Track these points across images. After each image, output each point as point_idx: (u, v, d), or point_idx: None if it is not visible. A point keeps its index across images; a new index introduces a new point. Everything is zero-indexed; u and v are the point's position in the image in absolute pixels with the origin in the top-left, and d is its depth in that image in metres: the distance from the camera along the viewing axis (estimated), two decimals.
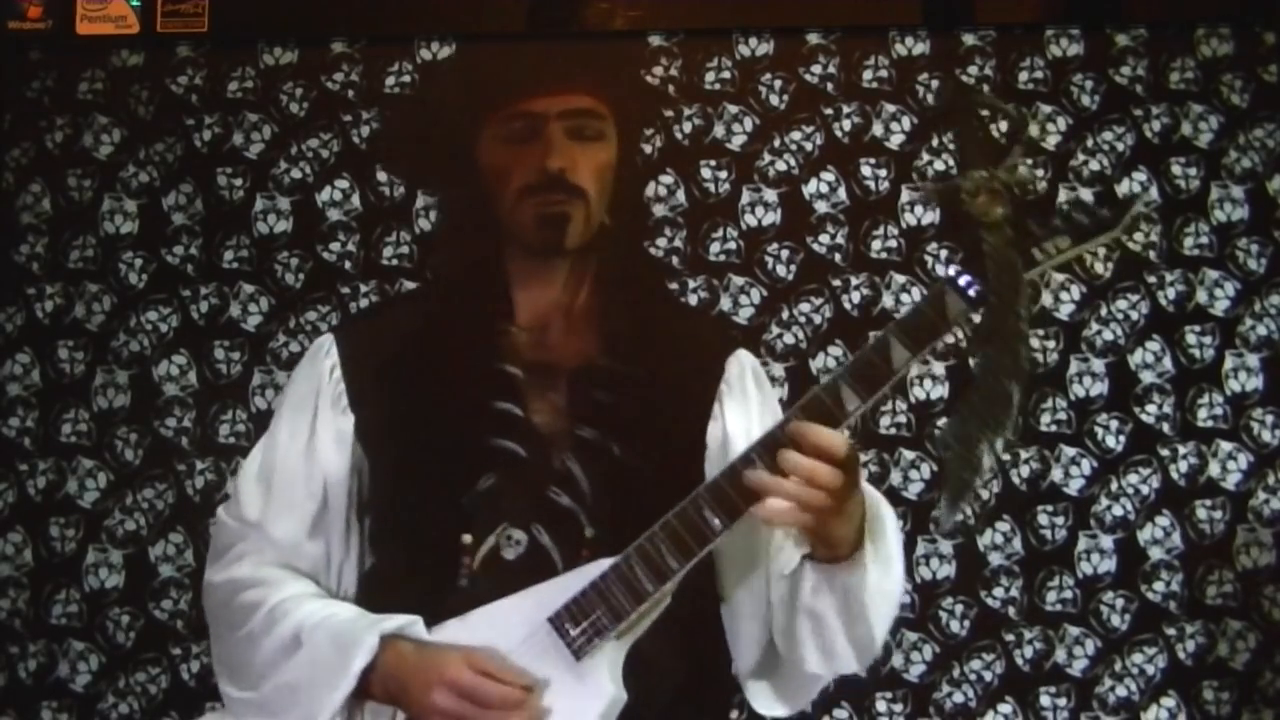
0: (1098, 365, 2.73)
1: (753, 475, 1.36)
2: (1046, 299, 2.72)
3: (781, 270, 2.76)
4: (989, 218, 1.36)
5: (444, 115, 1.66)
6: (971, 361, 1.49)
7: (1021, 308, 1.34)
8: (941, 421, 2.68)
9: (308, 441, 1.57)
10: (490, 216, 1.58)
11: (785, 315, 2.75)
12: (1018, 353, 1.34)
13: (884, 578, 1.46)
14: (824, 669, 1.51)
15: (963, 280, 1.36)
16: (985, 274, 1.35)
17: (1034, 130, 2.69)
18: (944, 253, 2.75)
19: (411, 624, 1.45)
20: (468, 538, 1.49)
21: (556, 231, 1.54)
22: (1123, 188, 2.75)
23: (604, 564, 1.41)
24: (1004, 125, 1.44)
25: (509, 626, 1.43)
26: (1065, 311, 2.73)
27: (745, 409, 1.59)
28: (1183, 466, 2.71)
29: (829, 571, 1.44)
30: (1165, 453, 2.71)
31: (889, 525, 1.49)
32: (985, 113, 1.45)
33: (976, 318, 1.37)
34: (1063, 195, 2.74)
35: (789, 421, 1.37)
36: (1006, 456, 2.69)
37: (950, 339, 1.38)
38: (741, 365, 1.63)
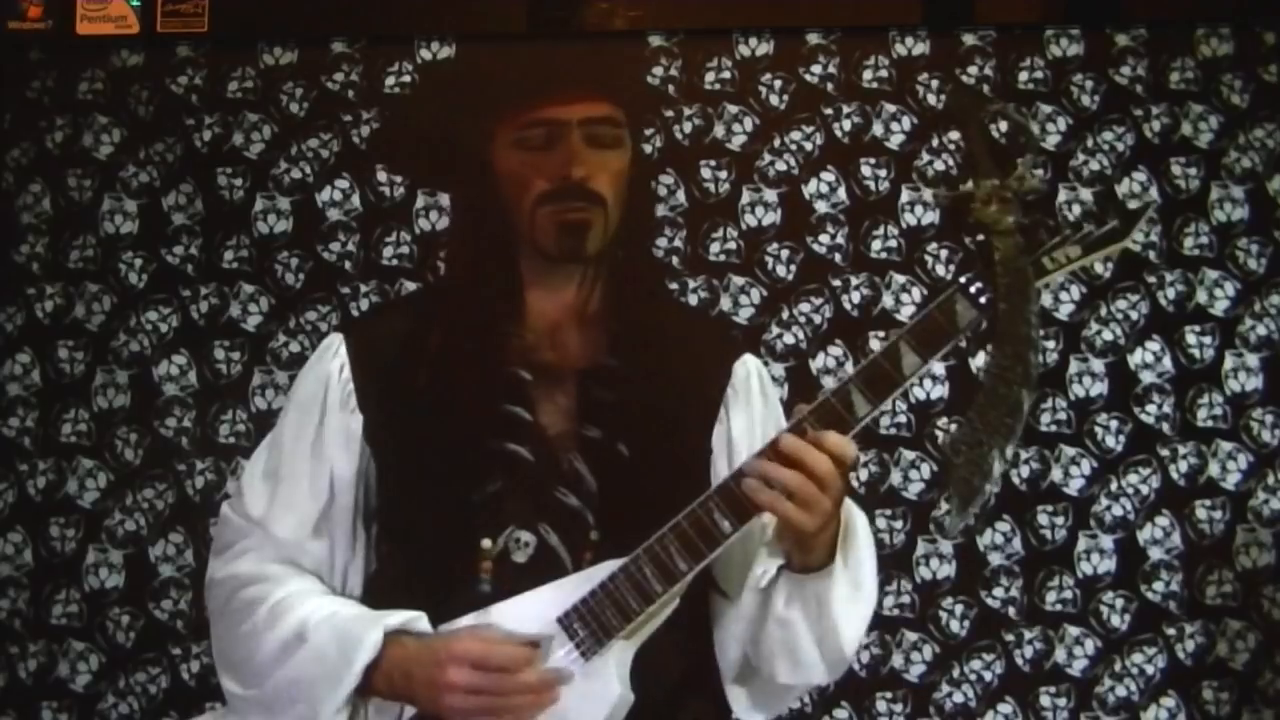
0: (1098, 365, 2.73)
1: (758, 465, 1.37)
2: (1046, 299, 2.72)
3: (781, 270, 2.76)
4: (1000, 226, 1.36)
5: (453, 115, 1.64)
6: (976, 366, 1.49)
7: (1032, 315, 1.34)
8: (951, 427, 2.68)
9: (314, 440, 1.56)
10: (502, 219, 1.57)
11: (785, 315, 2.75)
12: (1028, 360, 1.34)
13: (855, 588, 1.47)
14: (794, 679, 1.52)
15: (974, 288, 1.37)
16: (995, 281, 1.35)
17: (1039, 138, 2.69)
18: (944, 253, 2.75)
19: (415, 619, 1.45)
20: (487, 542, 1.48)
21: (578, 239, 1.53)
22: (1123, 188, 2.75)
23: (613, 565, 1.41)
24: (1004, 126, 1.44)
25: (516, 626, 1.43)
26: (1065, 311, 2.73)
27: (750, 414, 1.59)
28: (1183, 466, 2.71)
29: (801, 581, 1.46)
30: (1165, 453, 2.71)
31: (862, 537, 1.50)
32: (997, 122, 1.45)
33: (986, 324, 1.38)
34: (1063, 196, 2.75)
35: (800, 426, 1.38)
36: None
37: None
38: (748, 370, 1.62)
